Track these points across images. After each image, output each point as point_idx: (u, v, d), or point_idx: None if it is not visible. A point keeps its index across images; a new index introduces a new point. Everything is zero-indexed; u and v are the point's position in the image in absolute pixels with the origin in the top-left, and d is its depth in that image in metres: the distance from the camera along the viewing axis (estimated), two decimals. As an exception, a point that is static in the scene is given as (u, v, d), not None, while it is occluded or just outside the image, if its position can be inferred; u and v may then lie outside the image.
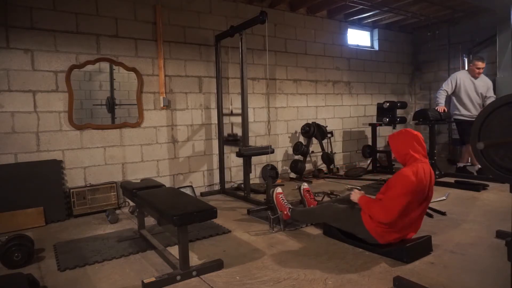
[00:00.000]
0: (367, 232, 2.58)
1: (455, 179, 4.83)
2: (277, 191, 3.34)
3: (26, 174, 3.63)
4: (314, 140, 5.83)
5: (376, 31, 7.05)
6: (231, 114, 4.75)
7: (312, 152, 5.89)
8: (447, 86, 5.31)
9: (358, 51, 6.69)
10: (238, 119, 4.49)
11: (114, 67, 4.23)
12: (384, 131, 6.84)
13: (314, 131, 5.56)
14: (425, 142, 2.68)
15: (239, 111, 4.32)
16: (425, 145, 2.60)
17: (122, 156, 4.27)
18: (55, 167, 3.81)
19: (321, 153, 5.82)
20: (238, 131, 4.88)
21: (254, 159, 4.84)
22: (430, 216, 3.40)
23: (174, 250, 2.67)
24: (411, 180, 2.36)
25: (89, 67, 4.04)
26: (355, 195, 2.73)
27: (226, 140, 4.79)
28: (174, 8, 4.58)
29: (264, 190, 4.41)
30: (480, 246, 2.70)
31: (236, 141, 4.65)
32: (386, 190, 2.51)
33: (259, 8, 4.97)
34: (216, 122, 4.89)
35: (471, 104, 5.28)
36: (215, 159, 4.96)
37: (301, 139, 5.87)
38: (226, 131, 4.94)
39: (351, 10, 5.89)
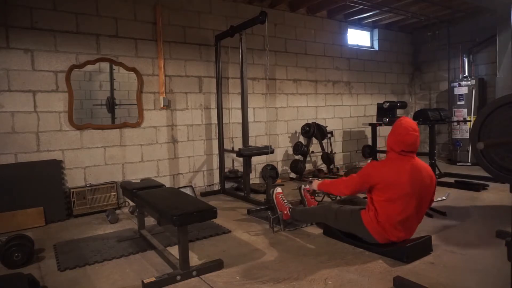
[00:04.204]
0: (367, 232, 2.58)
1: (455, 179, 4.83)
2: (277, 191, 3.34)
3: (26, 174, 3.62)
4: (314, 140, 5.83)
5: (376, 31, 7.05)
6: (232, 151, 4.57)
7: (312, 152, 5.89)
8: None
9: (358, 51, 6.69)
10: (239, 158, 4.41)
11: (114, 67, 4.23)
12: (384, 131, 6.83)
13: (314, 131, 5.56)
14: (425, 142, 2.68)
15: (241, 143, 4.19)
16: (416, 140, 2.50)
17: (122, 156, 4.27)
18: (55, 167, 3.81)
19: (321, 153, 5.82)
20: (239, 166, 4.86)
21: (254, 159, 4.84)
22: (430, 216, 3.40)
23: (174, 250, 2.66)
24: (370, 166, 2.64)
25: (89, 67, 4.04)
26: (315, 184, 3.06)
27: (226, 176, 4.73)
28: (174, 8, 4.58)
29: (264, 190, 4.41)
30: (480, 246, 2.70)
31: (237, 179, 4.59)
32: None
33: (259, 8, 4.97)
34: (216, 122, 4.89)
35: None
36: (215, 159, 4.96)
37: (301, 139, 5.87)
38: (227, 132, 4.94)
39: (351, 10, 5.90)
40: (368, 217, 2.58)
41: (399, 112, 5.97)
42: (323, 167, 5.99)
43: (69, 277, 2.42)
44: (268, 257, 2.63)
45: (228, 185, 4.92)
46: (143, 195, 2.83)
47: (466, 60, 6.55)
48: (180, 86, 4.66)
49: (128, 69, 4.26)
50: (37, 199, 3.62)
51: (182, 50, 4.65)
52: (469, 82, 6.32)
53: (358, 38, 6.92)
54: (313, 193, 3.37)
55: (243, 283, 2.26)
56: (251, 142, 5.06)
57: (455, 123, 6.38)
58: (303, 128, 5.62)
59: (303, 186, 3.58)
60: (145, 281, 2.21)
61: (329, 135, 5.90)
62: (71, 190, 3.87)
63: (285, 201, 3.28)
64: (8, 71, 3.62)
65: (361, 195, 3.19)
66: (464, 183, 4.58)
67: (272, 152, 4.29)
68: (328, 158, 5.73)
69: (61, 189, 3.82)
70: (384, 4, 5.63)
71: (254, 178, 5.28)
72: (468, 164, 6.24)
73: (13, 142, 3.65)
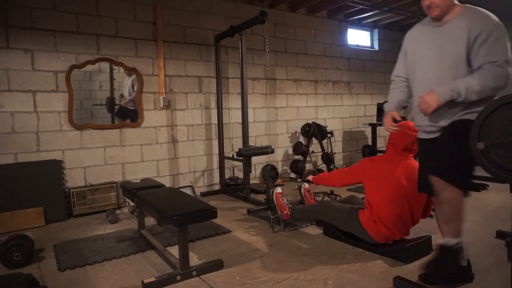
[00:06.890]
0: (364, 230, 2.59)
1: (455, 179, 4.82)
2: (277, 191, 3.34)
3: (26, 174, 3.62)
4: (314, 140, 5.83)
5: (376, 31, 7.05)
6: (233, 158, 4.52)
7: (312, 152, 5.89)
8: (397, 66, 2.54)
9: (358, 51, 6.69)
10: (240, 163, 4.41)
11: (114, 67, 4.23)
12: (384, 131, 6.83)
13: (314, 131, 5.56)
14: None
15: (241, 158, 4.14)
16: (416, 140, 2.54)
17: (122, 156, 4.27)
18: (55, 167, 3.81)
19: (321, 153, 5.82)
20: (239, 173, 4.84)
21: (254, 159, 4.84)
22: (430, 216, 3.39)
23: (174, 250, 2.67)
24: (368, 159, 2.75)
25: (89, 67, 4.04)
26: (310, 178, 3.12)
27: (227, 184, 4.67)
28: (174, 8, 4.58)
29: (264, 190, 4.41)
30: (480, 246, 2.70)
31: (237, 186, 4.55)
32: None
33: (259, 8, 4.97)
34: (216, 122, 4.89)
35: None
36: (215, 159, 4.96)
37: (301, 139, 5.87)
38: (227, 132, 4.94)
39: (351, 10, 5.89)
40: (364, 216, 2.59)
41: (399, 112, 5.96)
42: (323, 167, 5.99)
43: (69, 277, 2.42)
44: (268, 257, 2.63)
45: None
46: (143, 195, 2.83)
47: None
48: (180, 86, 4.66)
49: (128, 69, 4.26)
50: (37, 199, 3.62)
51: (182, 50, 4.65)
52: (469, 82, 6.30)
53: (358, 38, 6.91)
54: (305, 180, 3.42)
55: (243, 283, 2.26)
56: (251, 142, 5.06)
57: (455, 123, 6.36)
58: (303, 128, 5.62)
59: (303, 186, 3.58)
60: (145, 281, 2.21)
61: (329, 135, 5.90)
62: (71, 190, 3.87)
63: (285, 201, 3.28)
64: (8, 71, 3.62)
65: (360, 196, 3.20)
66: (464, 183, 4.57)
67: (272, 152, 4.29)
68: (328, 158, 5.73)
69: (61, 189, 3.82)
70: (384, 4, 5.62)
71: (254, 178, 5.29)
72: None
73: (13, 142, 3.65)
